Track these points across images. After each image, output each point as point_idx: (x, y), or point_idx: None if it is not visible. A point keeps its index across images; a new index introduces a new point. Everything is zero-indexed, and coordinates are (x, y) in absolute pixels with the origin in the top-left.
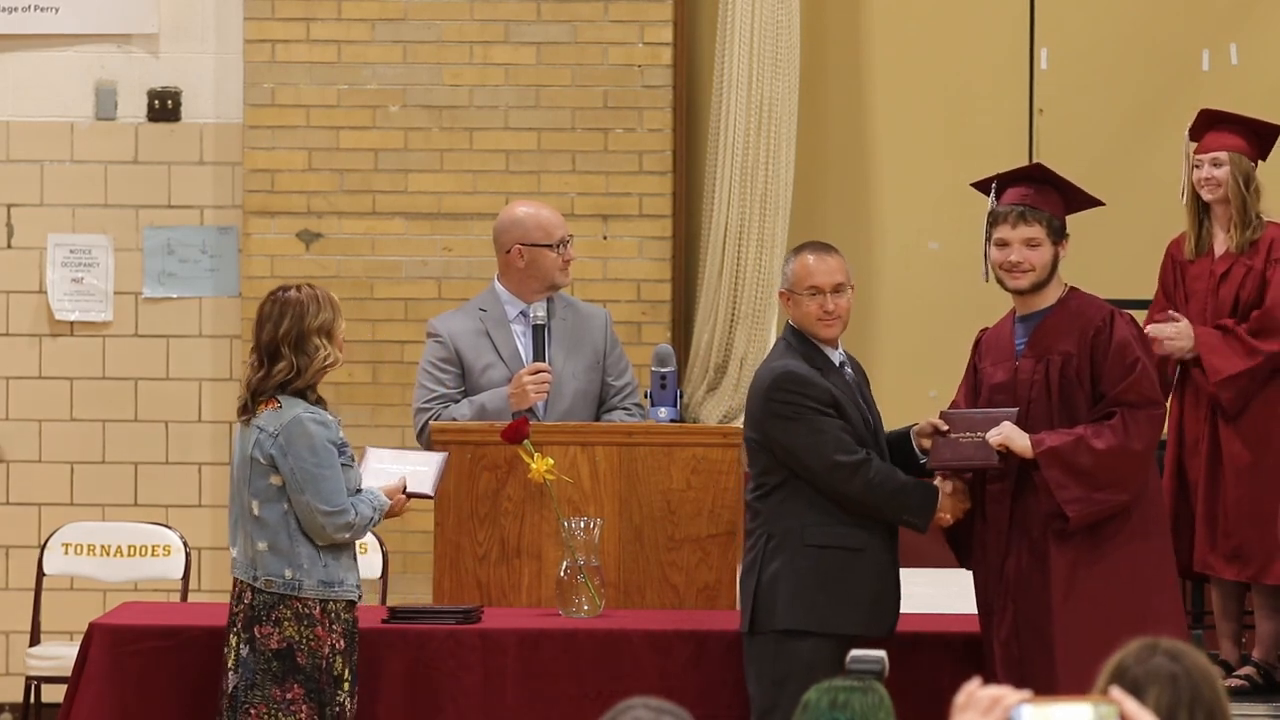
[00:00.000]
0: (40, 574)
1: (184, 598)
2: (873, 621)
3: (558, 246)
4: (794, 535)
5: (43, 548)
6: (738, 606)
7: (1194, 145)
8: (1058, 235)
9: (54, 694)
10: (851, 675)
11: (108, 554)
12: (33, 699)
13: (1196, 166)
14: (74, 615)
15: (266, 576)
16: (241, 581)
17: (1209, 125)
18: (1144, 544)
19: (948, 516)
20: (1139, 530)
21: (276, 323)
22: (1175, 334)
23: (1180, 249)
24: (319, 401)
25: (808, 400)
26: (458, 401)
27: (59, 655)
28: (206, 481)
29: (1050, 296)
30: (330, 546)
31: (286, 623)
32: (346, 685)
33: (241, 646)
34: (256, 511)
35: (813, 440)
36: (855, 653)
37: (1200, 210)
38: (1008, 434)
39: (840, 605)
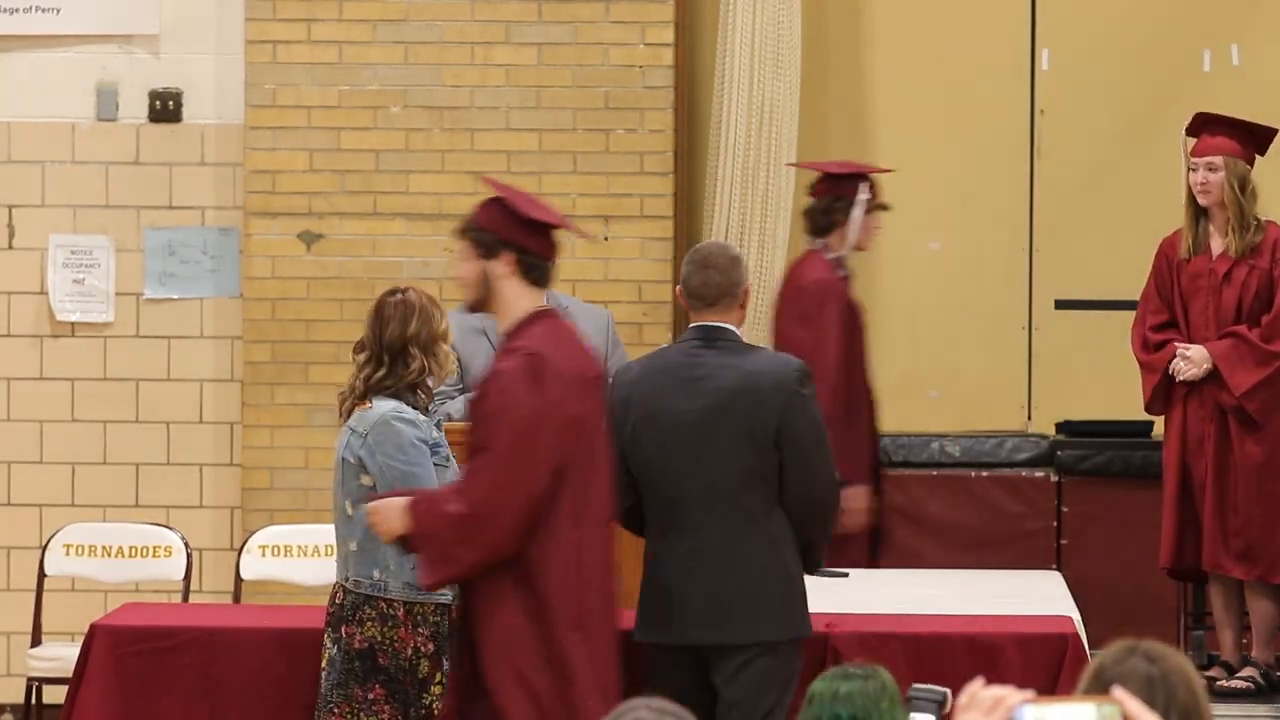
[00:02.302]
0: (41, 575)
1: (185, 599)
2: None
3: None
4: (788, 542)
5: (44, 549)
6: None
7: (1192, 142)
8: (486, 250)
9: (55, 695)
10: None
11: (109, 555)
12: (34, 700)
13: (1192, 169)
14: (75, 616)
15: (355, 577)
16: (336, 583)
17: (1204, 127)
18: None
19: None
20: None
21: (403, 321)
22: (1192, 364)
23: (1175, 247)
24: (426, 405)
25: (817, 401)
26: (454, 399)
27: (60, 656)
28: (208, 482)
29: (508, 316)
30: None
31: (370, 623)
32: (437, 689)
33: (331, 647)
34: (349, 511)
35: (824, 443)
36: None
37: (1197, 210)
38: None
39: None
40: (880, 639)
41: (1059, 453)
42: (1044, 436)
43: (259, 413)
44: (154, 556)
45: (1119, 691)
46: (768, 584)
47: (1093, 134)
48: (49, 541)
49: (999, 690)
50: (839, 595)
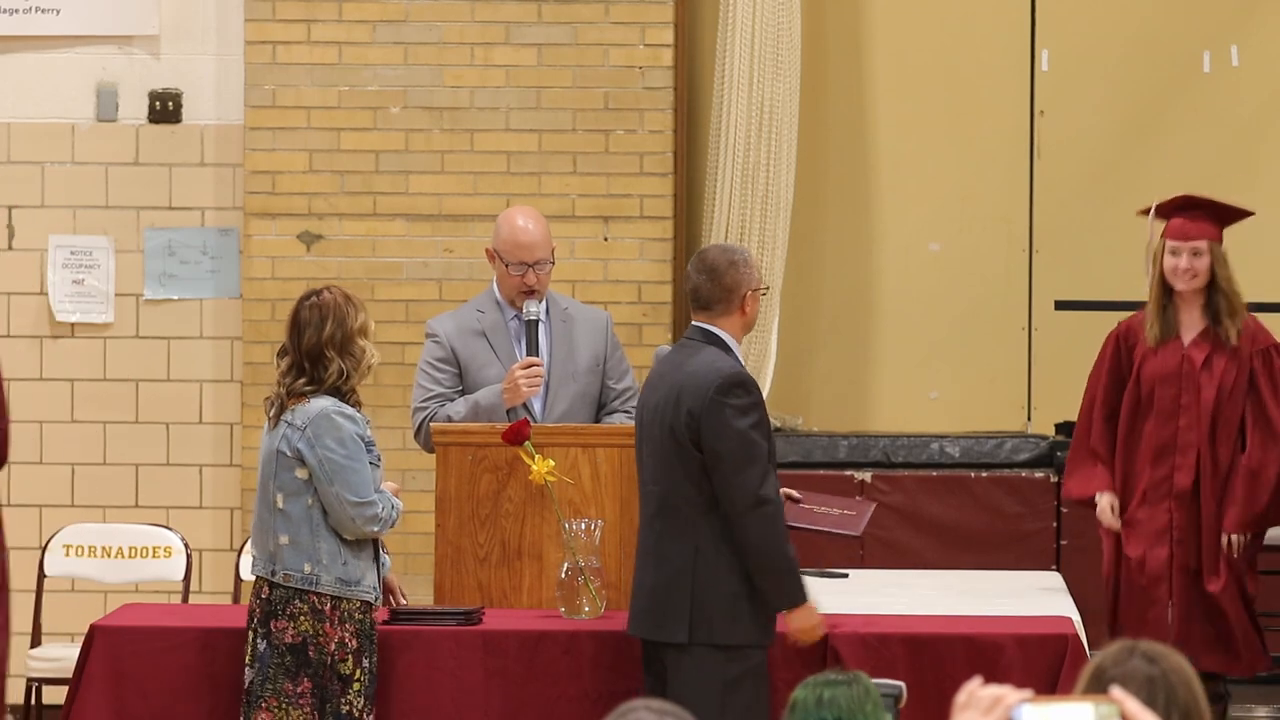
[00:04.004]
0: (41, 575)
1: (185, 599)
2: (774, 633)
3: (512, 268)
4: (724, 550)
5: (44, 549)
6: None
7: (1161, 225)
8: None
9: (55, 695)
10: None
11: (108, 555)
12: (34, 700)
13: (1173, 254)
14: (75, 617)
15: (285, 571)
16: (260, 578)
17: (1184, 210)
18: None
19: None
20: None
21: (318, 327)
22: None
23: (1133, 333)
24: (356, 402)
25: (753, 413)
26: (454, 399)
27: (60, 657)
28: (207, 483)
29: None
30: (351, 544)
31: (302, 617)
32: (357, 687)
33: (259, 642)
34: (280, 505)
35: (748, 459)
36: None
37: (1166, 292)
38: None
39: (764, 620)
40: (880, 639)
41: (1059, 453)
42: (1044, 437)
43: (259, 413)
44: (154, 557)
45: (1117, 691)
46: (679, 587)
47: (1092, 135)
48: (49, 542)
49: (997, 689)
50: (839, 595)
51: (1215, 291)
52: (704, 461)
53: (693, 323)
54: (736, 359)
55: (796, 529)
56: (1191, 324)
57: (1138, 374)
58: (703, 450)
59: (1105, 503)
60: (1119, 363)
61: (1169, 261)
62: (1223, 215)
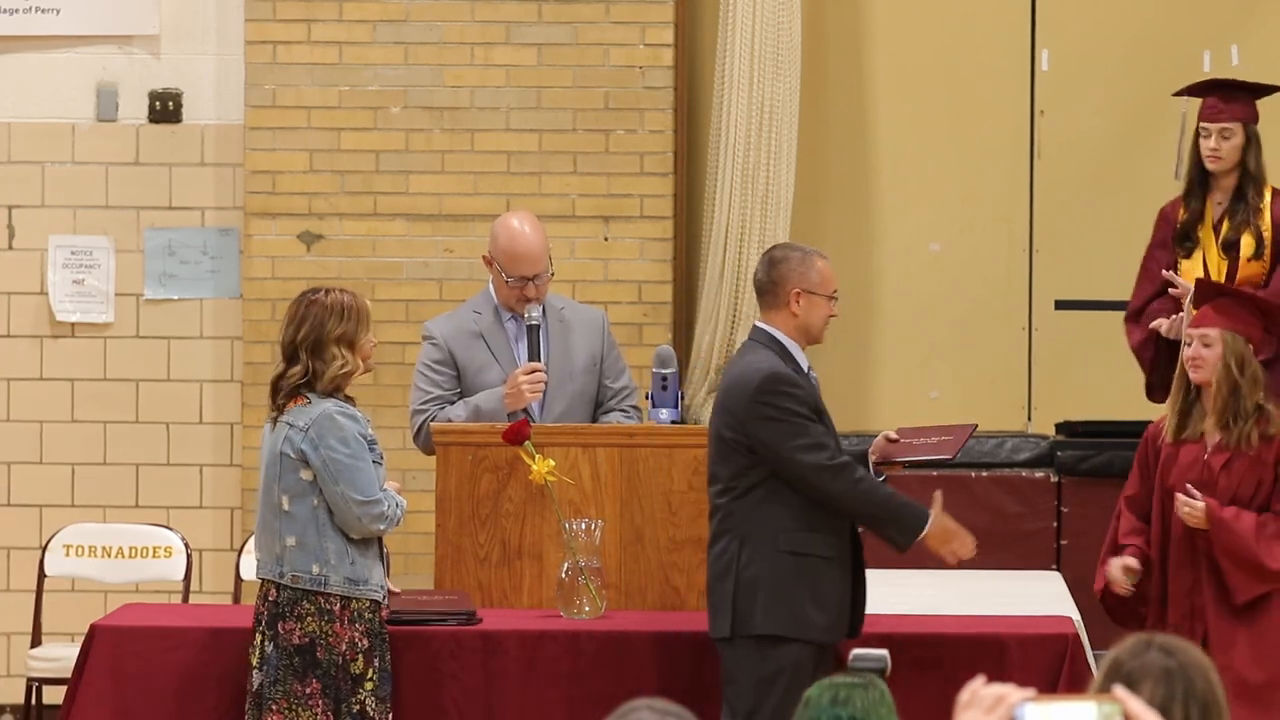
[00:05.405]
0: (41, 575)
1: (185, 599)
2: (839, 628)
3: (511, 281)
4: (768, 541)
5: (44, 549)
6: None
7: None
8: None
9: (55, 695)
10: (854, 672)
11: (109, 555)
12: (34, 700)
13: (1186, 343)
14: (75, 617)
15: (293, 572)
16: (266, 580)
17: (1211, 297)
18: None
19: (954, 556)
20: None
21: (298, 326)
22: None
23: (1160, 434)
24: (348, 401)
25: (795, 403)
26: (453, 403)
27: (60, 656)
28: (208, 483)
29: None
30: (358, 543)
31: (309, 618)
32: (369, 685)
33: (266, 644)
34: (286, 507)
35: (801, 442)
36: (858, 651)
37: (1188, 388)
38: None
39: (815, 613)
40: (880, 639)
41: (1059, 453)
42: (1044, 437)
43: (259, 413)
44: (154, 557)
45: (1120, 690)
46: (722, 582)
47: (1093, 134)
48: (49, 542)
49: (1000, 688)
50: None
51: (1231, 393)
52: (753, 461)
53: (754, 321)
54: (795, 360)
55: (892, 464)
56: (1214, 425)
57: (1161, 477)
58: (756, 450)
59: (1117, 561)
60: (1146, 463)
61: (1183, 350)
62: (1254, 306)
